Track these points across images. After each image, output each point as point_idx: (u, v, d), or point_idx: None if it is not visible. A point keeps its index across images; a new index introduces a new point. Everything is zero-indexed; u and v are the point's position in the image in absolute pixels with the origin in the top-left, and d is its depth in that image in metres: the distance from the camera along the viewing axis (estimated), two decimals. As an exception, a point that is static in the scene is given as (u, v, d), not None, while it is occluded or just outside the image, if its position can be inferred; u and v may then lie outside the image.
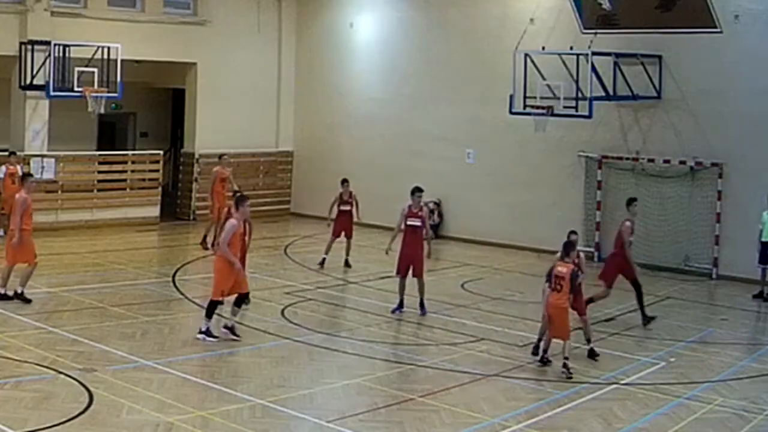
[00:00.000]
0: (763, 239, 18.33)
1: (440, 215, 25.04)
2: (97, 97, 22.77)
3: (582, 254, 14.54)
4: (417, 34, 25.75)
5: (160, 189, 25.78)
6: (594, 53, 19.70)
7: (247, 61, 27.18)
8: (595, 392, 12.29)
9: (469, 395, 11.94)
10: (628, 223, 16.06)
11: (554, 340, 13.22)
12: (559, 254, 13.44)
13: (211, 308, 14.00)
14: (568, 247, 13.36)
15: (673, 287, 19.52)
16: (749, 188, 19.42)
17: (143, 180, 25.54)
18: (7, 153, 22.31)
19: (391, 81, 26.22)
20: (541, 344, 13.51)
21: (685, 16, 20.85)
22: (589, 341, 13.94)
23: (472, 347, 14.23)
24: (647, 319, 16.02)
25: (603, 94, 20.31)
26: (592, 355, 13.87)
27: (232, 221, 13.95)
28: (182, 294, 17.20)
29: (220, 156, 22.48)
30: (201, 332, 13.91)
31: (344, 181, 20.63)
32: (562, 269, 13.09)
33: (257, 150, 27.69)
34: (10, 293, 15.53)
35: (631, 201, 16.68)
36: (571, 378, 12.64)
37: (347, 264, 20.22)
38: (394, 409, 11.30)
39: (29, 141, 23.31)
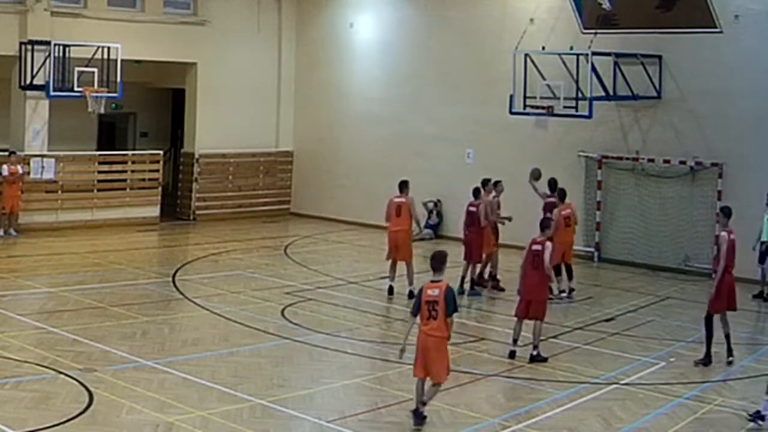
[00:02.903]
0: (764, 239, 18.33)
1: (440, 215, 25.01)
2: (97, 97, 22.75)
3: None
4: (417, 34, 25.71)
5: (160, 189, 25.77)
6: (594, 53, 19.67)
7: (247, 61, 27.15)
8: (595, 392, 12.29)
9: (469, 395, 11.93)
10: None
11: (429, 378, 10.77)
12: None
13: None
14: (436, 261, 10.77)
15: (673, 287, 19.50)
16: (749, 188, 19.39)
17: (143, 180, 25.53)
18: (7, 153, 22.33)
19: (391, 81, 26.18)
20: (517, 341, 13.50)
21: (685, 16, 20.84)
22: (535, 347, 13.59)
23: (472, 347, 14.22)
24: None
25: (603, 94, 20.28)
26: (511, 354, 13.63)
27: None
28: (182, 294, 17.19)
29: (496, 183, 18.87)
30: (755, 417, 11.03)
31: (487, 182, 18.53)
32: (434, 291, 10.54)
33: (257, 150, 27.66)
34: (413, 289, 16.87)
35: None
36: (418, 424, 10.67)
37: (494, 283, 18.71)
38: (394, 409, 11.30)
39: (29, 141, 23.27)
